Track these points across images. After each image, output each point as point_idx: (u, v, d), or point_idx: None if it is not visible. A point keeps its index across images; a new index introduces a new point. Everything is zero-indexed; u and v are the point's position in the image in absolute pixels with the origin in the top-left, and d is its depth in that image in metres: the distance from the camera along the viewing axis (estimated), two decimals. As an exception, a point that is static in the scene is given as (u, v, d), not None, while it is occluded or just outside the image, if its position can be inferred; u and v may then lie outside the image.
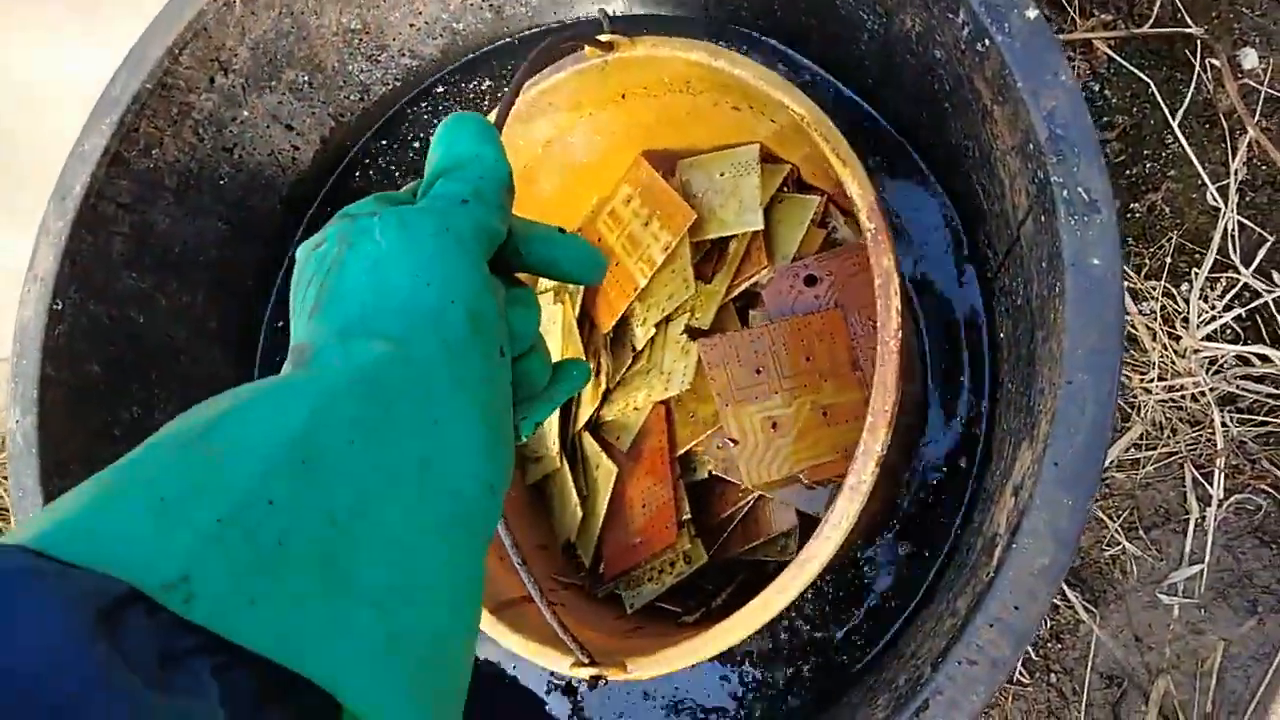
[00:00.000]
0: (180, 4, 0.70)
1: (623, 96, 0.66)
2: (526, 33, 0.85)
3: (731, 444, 0.64)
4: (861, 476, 0.51)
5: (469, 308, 0.30)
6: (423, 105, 0.86)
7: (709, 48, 0.59)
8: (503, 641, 0.59)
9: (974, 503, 0.65)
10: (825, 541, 0.52)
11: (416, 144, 0.85)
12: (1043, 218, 0.53)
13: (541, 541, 0.73)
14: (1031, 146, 0.53)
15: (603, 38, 0.59)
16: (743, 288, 0.70)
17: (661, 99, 0.66)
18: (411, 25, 0.81)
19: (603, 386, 0.70)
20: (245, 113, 0.77)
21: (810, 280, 0.67)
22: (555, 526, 0.74)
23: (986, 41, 0.55)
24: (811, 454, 0.63)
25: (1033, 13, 0.54)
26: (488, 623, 0.59)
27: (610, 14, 0.72)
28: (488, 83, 0.85)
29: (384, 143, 0.87)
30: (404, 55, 0.83)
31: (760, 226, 0.68)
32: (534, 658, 0.58)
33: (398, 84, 0.85)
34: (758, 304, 0.71)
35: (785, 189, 0.71)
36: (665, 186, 0.69)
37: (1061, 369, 0.49)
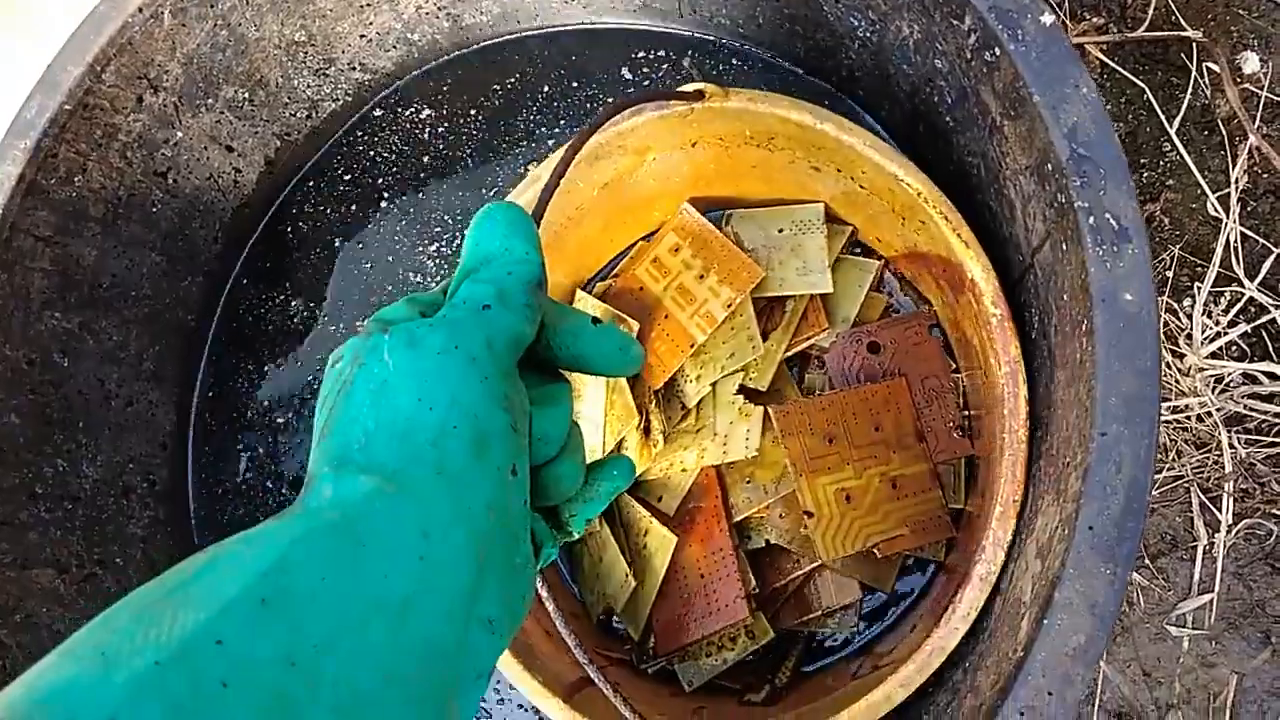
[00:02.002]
0: (101, 16, 0.63)
1: (693, 145, 0.64)
2: (488, 42, 0.79)
3: (807, 516, 0.61)
4: (991, 567, 0.51)
5: (474, 430, 0.29)
6: (377, 119, 0.80)
7: (813, 109, 0.57)
8: None
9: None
10: (953, 632, 0.51)
11: (369, 162, 0.79)
12: (1064, 245, 0.48)
13: (573, 610, 0.68)
14: (1049, 167, 0.48)
15: (691, 87, 0.57)
16: (799, 348, 0.67)
17: (733, 150, 0.64)
18: (362, 37, 0.74)
19: (657, 446, 0.65)
20: (179, 134, 0.70)
21: (874, 347, 0.66)
22: (593, 594, 0.68)
23: (997, 50, 0.49)
24: (883, 527, 0.61)
25: (1048, 18, 0.48)
26: (559, 711, 0.55)
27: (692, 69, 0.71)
28: (441, 100, 0.79)
29: (335, 162, 0.80)
30: (354, 69, 0.76)
31: (829, 289, 0.65)
32: None
33: (348, 99, 0.78)
34: (809, 365, 0.69)
35: (844, 251, 0.69)
36: (724, 240, 0.66)
37: (1092, 419, 0.44)
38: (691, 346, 0.65)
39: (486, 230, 0.33)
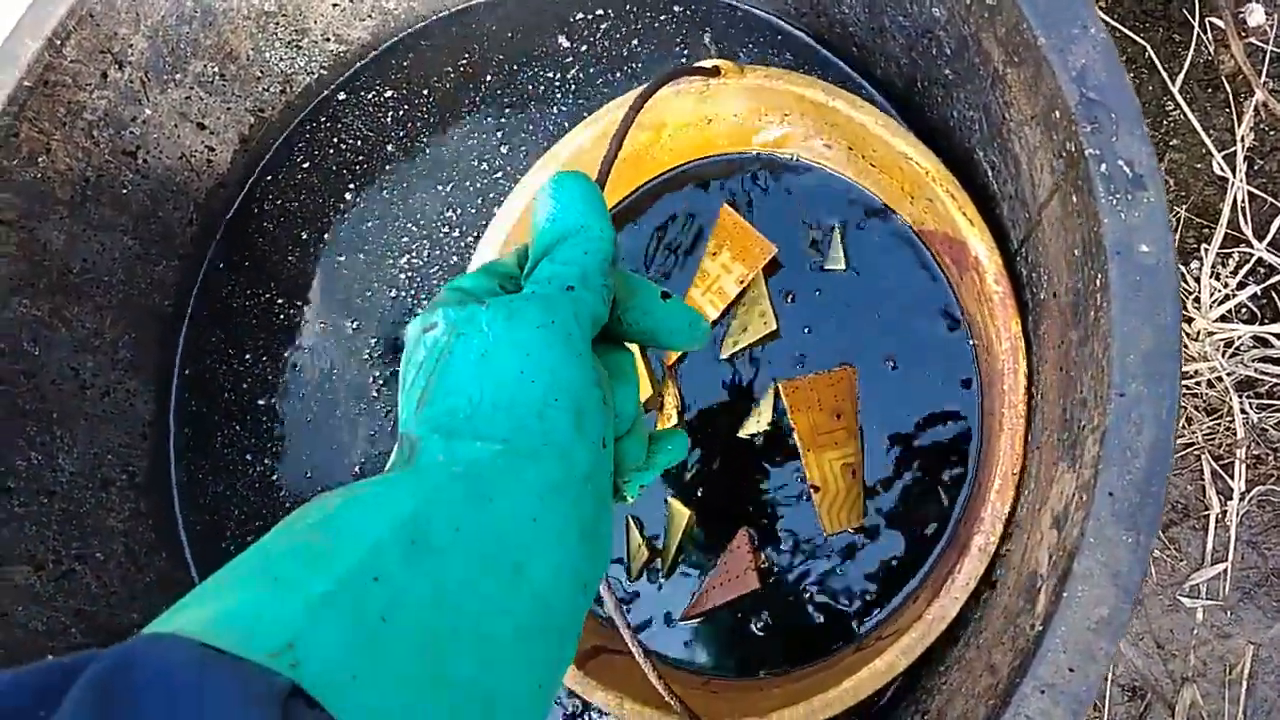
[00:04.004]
0: (59, -13, 0.60)
1: (708, 121, 0.64)
2: (463, 5, 0.76)
3: (814, 490, 0.61)
4: (990, 538, 0.51)
5: (573, 404, 0.30)
6: (357, 90, 0.77)
7: (825, 86, 0.58)
8: (593, 699, 0.55)
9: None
10: (954, 602, 0.51)
11: (348, 137, 0.76)
12: (1074, 197, 0.45)
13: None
14: (1057, 114, 0.45)
15: (708, 63, 0.58)
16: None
17: (745, 127, 0.65)
18: (335, 6, 0.71)
19: (670, 420, 0.65)
20: (148, 111, 0.68)
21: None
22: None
23: (999, -7, 0.47)
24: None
25: (1053, -43, 0.46)
26: (574, 678, 0.55)
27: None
28: (418, 69, 0.76)
29: (312, 138, 0.77)
30: (329, 40, 0.74)
31: (841, 267, 0.65)
32: (633, 719, 0.54)
33: (324, 72, 0.75)
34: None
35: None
36: (737, 217, 0.66)
37: (1109, 379, 0.41)
38: None
39: (562, 204, 0.34)
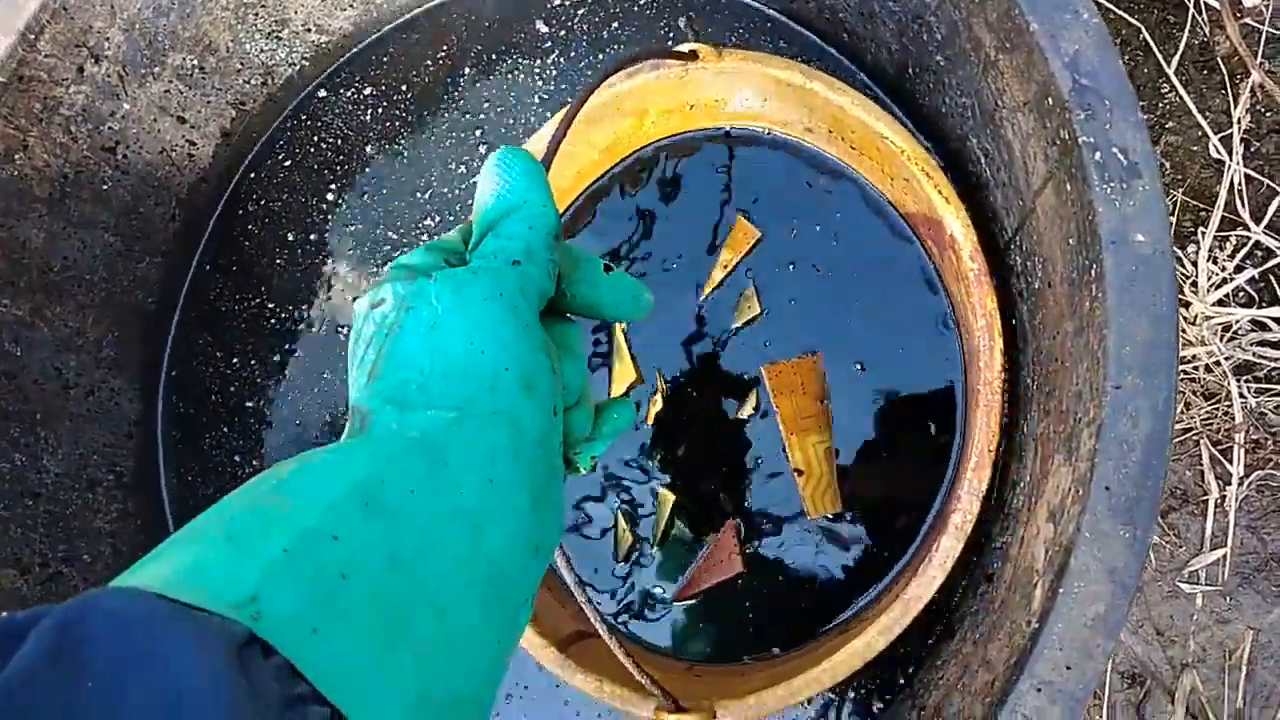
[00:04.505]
0: (32, -20, 0.59)
1: (690, 107, 0.64)
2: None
3: (797, 474, 0.61)
4: (967, 515, 0.50)
5: (522, 372, 0.31)
6: (336, 87, 0.76)
7: (802, 68, 0.57)
8: (573, 682, 0.55)
9: (991, 520, 0.57)
10: (931, 581, 0.50)
11: (331, 128, 0.75)
12: (1068, 185, 0.44)
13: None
14: (1050, 101, 0.44)
15: (685, 48, 0.57)
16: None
17: (728, 112, 0.64)
18: (316, -5, 0.70)
19: (657, 406, 0.65)
20: (126, 105, 0.66)
21: None
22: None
23: (990, -23, 0.46)
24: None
25: (1045, -62, 0.45)
26: (555, 661, 0.55)
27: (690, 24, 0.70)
28: (401, 60, 0.75)
29: (293, 136, 0.76)
30: (310, 30, 0.72)
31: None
32: (611, 701, 0.54)
33: (305, 64, 0.74)
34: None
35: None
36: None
37: (1105, 371, 0.40)
38: None
39: (504, 180, 0.34)
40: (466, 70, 0.74)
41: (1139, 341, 0.40)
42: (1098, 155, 0.42)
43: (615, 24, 0.72)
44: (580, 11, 0.73)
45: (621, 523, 0.64)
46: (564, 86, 0.72)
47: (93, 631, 0.20)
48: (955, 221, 0.53)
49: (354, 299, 0.33)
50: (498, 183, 0.34)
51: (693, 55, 0.57)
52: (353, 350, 0.32)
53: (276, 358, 0.73)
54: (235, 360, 0.74)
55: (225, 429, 0.73)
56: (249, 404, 0.73)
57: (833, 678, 0.50)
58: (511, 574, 0.29)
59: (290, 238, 0.74)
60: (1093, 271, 0.42)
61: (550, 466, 0.32)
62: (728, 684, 0.56)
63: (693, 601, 0.62)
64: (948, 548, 0.50)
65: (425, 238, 0.72)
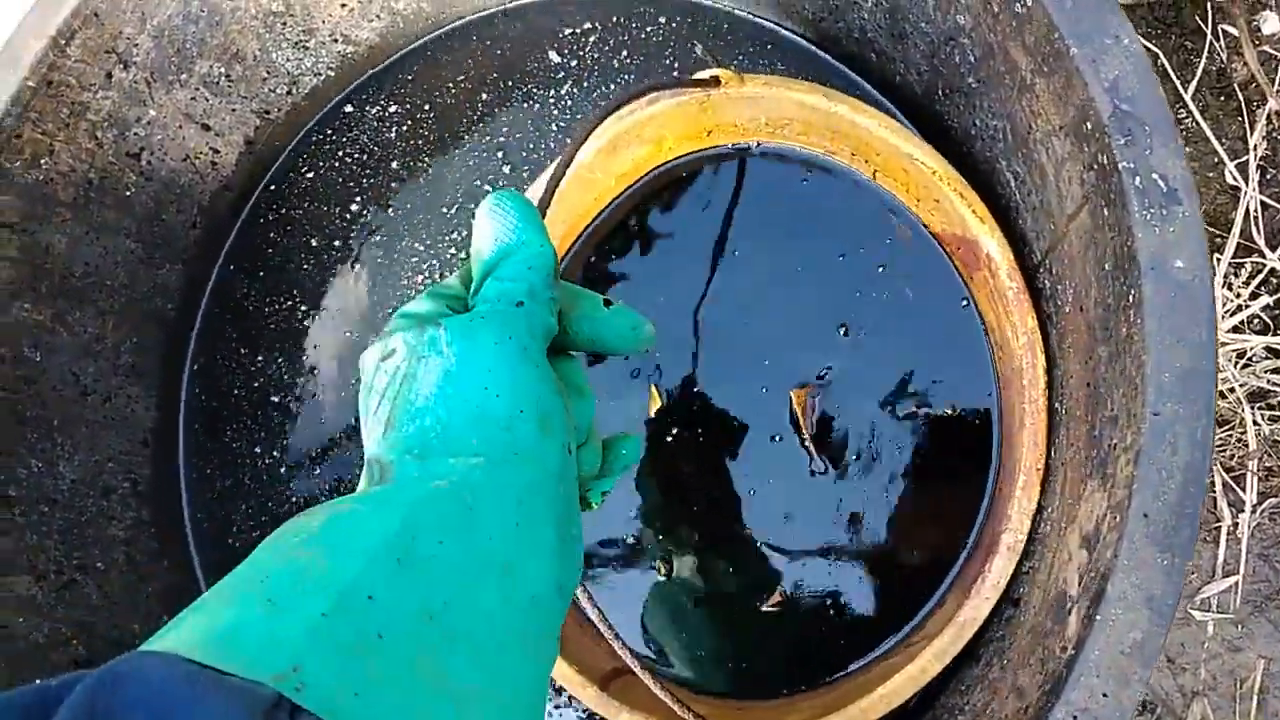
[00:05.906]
0: (64, -14, 0.59)
1: (708, 133, 0.64)
2: (474, 15, 0.75)
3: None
4: (1018, 535, 0.51)
5: (539, 413, 0.31)
6: (362, 104, 0.76)
7: (827, 91, 0.57)
8: (619, 719, 0.55)
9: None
10: (984, 602, 0.50)
11: (357, 143, 0.75)
12: (1105, 210, 0.44)
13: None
14: (1089, 126, 0.44)
15: (707, 74, 0.57)
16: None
17: (748, 137, 0.64)
18: (343, 6, 0.70)
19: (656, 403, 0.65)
20: (152, 112, 0.66)
21: None
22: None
23: (1028, 1, 0.46)
24: None
25: (1085, -35, 0.45)
26: (596, 700, 0.55)
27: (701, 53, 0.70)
28: (428, 77, 0.75)
29: (318, 149, 0.76)
30: (336, 41, 0.72)
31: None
32: None
33: (331, 74, 0.74)
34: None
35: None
36: None
37: (1143, 398, 0.40)
38: None
39: (500, 223, 0.35)
40: (484, 95, 0.74)
41: (1178, 369, 0.40)
42: (1138, 181, 0.42)
43: (625, 53, 0.72)
44: (591, 40, 0.73)
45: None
46: (579, 116, 0.73)
47: (128, 697, 0.20)
48: (991, 240, 0.53)
49: (361, 353, 0.34)
50: (494, 226, 0.35)
51: (715, 81, 0.57)
52: (364, 403, 0.33)
53: (299, 361, 0.73)
54: (260, 359, 0.74)
55: (247, 421, 0.73)
56: (274, 411, 0.73)
57: (888, 704, 0.50)
58: (541, 613, 0.29)
59: (314, 243, 0.74)
60: (1130, 297, 0.42)
61: (570, 503, 0.32)
62: (773, 717, 0.55)
63: (730, 632, 0.62)
64: (1000, 568, 0.50)
65: (453, 251, 0.72)
